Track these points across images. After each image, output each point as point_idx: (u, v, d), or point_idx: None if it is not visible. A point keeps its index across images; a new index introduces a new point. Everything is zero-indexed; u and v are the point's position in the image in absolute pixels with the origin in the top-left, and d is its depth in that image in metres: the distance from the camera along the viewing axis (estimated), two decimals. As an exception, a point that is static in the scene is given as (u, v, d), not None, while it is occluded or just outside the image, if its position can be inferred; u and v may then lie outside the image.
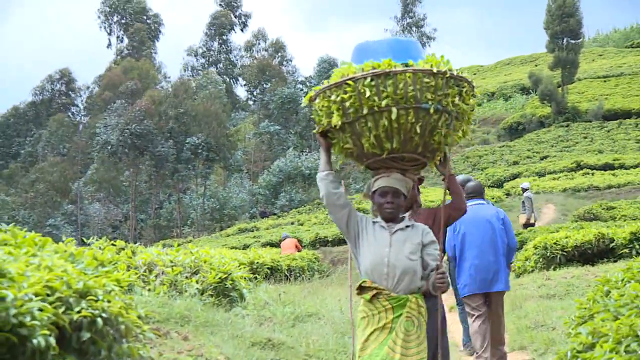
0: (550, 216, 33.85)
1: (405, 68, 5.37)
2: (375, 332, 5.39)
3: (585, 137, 59.89)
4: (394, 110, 5.30)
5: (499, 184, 47.84)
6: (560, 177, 46.19)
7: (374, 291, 5.44)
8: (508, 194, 42.98)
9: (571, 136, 61.02)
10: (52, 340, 5.65)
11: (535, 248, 17.39)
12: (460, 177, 11.21)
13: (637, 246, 15.70)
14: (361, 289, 5.53)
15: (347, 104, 5.42)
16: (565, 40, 67.89)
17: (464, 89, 5.70)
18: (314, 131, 6.01)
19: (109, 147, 71.65)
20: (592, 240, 16.61)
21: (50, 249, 8.78)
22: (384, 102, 5.32)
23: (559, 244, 16.81)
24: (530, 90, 76.29)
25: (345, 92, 5.43)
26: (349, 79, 5.42)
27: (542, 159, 55.43)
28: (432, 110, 5.38)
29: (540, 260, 16.96)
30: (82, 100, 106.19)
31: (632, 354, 4.49)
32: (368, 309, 5.48)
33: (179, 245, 13.69)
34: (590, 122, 63.94)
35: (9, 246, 7.83)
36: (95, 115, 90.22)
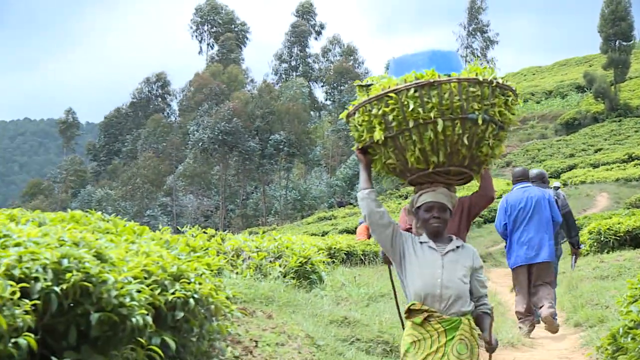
0: (603, 204, 33.55)
1: (450, 77, 4.71)
2: (428, 357, 4.69)
3: (637, 131, 59.10)
4: (440, 121, 4.64)
5: (556, 175, 47.68)
6: (613, 167, 45.75)
7: (425, 314, 4.71)
8: (565, 184, 42.77)
9: (623, 130, 60.31)
10: (149, 319, 5.72)
11: (590, 233, 17.32)
12: (534, 171, 11.47)
13: (687, 233, 15.48)
14: (410, 312, 4.80)
15: (390, 117, 4.75)
16: (617, 42, 67.45)
17: (510, 98, 4.94)
18: (353, 148, 5.27)
19: (201, 144, 72.66)
20: (642, 226, 16.51)
21: (147, 236, 8.90)
22: (430, 114, 4.64)
23: (612, 230, 16.80)
24: (585, 89, 75.30)
25: (387, 105, 4.76)
26: (392, 91, 4.74)
27: (596, 152, 55.04)
28: (479, 121, 4.71)
29: (595, 244, 16.91)
30: (177, 102, 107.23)
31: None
32: (418, 333, 4.76)
33: (263, 232, 13.77)
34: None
35: (110, 234, 7.98)
36: (187, 116, 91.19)
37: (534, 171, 11.56)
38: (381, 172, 5.23)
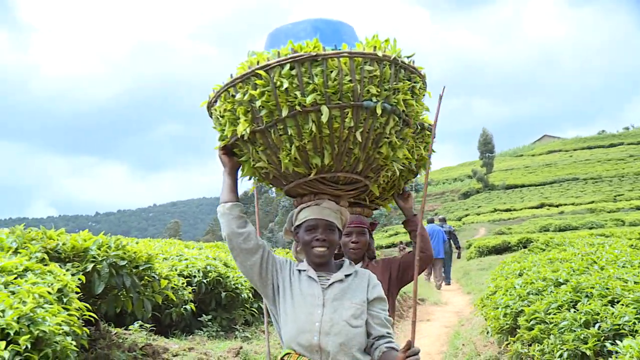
0: (482, 233, 33.13)
1: (340, 51, 1.60)
2: None
3: (498, 197, 58.37)
4: (325, 109, 1.58)
5: (459, 219, 47.14)
6: (486, 214, 45.12)
7: None
8: (464, 223, 42.62)
9: (491, 197, 59.44)
10: (251, 295, 5.62)
11: (475, 247, 17.25)
12: (440, 217, 11.94)
13: (521, 246, 15.50)
14: None
15: (258, 103, 1.62)
16: (487, 154, 67.96)
17: (418, 85, 1.77)
18: (215, 147, 1.87)
19: (284, 207, 73.18)
20: (500, 243, 16.45)
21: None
22: (309, 99, 1.58)
23: (486, 245, 16.76)
24: (472, 177, 74.86)
25: (255, 88, 1.62)
26: (260, 68, 1.60)
27: (478, 207, 54.11)
28: (378, 110, 1.63)
29: (477, 252, 16.81)
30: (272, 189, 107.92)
31: (511, 295, 4.37)
32: None
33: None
34: (500, 190, 62.59)
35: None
36: (280, 194, 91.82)
37: (440, 217, 12.66)
38: (252, 178, 1.96)
